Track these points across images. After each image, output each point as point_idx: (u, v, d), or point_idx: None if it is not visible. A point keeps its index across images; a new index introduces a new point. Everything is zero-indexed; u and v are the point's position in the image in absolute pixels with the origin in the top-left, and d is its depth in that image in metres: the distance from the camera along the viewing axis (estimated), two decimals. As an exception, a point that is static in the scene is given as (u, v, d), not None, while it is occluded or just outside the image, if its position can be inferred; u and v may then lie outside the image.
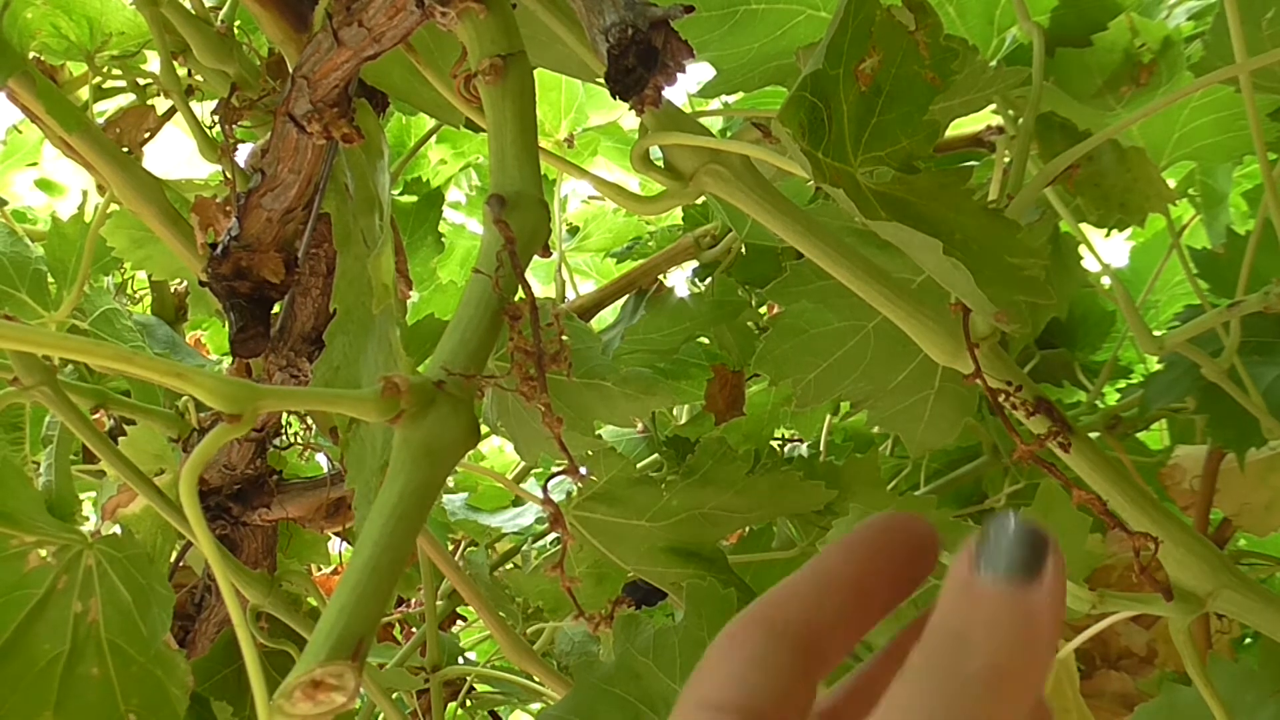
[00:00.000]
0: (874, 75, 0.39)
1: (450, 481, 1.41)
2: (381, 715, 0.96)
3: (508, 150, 0.45)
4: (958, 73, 0.40)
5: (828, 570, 0.32)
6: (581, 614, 0.72)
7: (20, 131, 1.42)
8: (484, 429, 0.97)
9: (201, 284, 0.74)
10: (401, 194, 1.41)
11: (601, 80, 0.41)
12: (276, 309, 0.78)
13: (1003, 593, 0.28)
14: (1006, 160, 0.82)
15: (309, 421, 1.00)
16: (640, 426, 1.32)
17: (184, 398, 0.98)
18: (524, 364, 0.40)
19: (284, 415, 0.96)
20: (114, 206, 0.94)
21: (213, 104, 0.81)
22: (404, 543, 0.36)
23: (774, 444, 1.39)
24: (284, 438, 0.98)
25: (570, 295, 1.33)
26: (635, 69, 0.39)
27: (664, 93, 0.41)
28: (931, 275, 0.40)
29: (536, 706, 1.45)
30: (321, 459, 1.11)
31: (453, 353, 0.39)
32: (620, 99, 0.40)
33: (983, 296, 0.36)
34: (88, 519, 1.08)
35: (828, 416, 1.28)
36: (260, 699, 0.35)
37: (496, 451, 1.72)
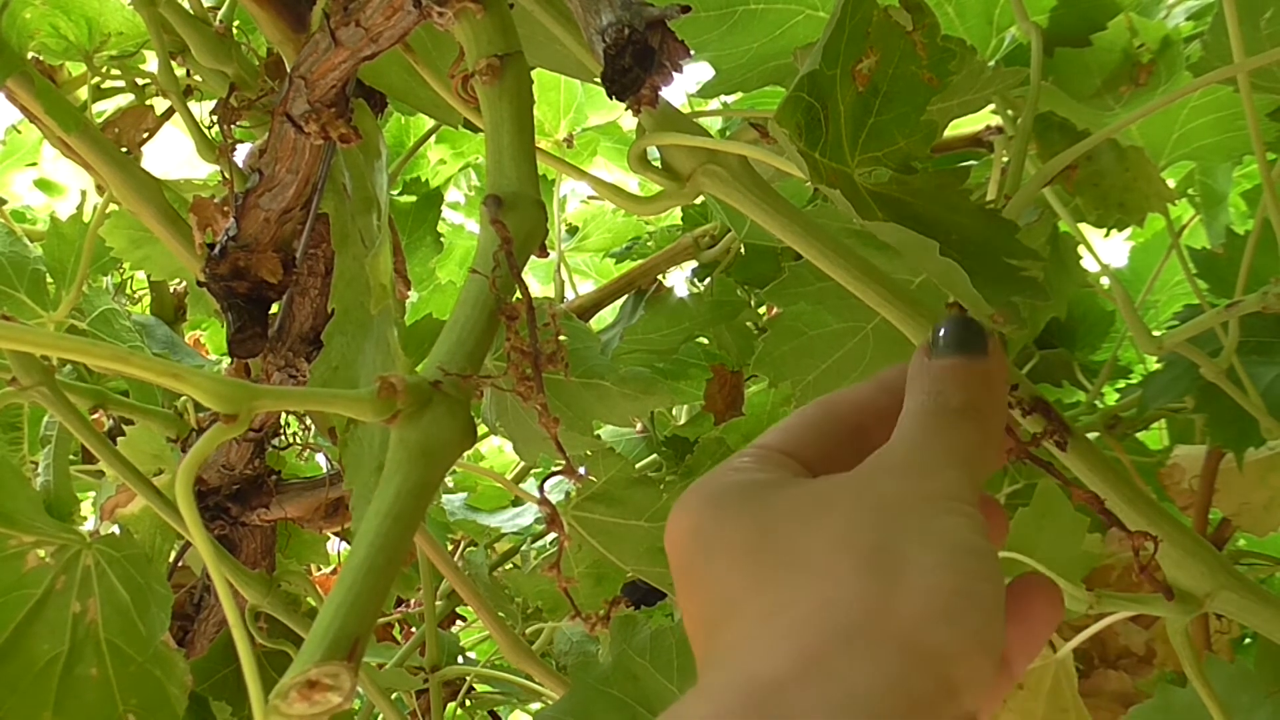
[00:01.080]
0: (871, 76, 0.39)
1: (449, 481, 1.41)
2: (381, 715, 0.96)
3: (505, 150, 0.45)
4: (955, 73, 0.40)
5: (888, 378, 0.39)
6: (578, 614, 0.72)
7: (19, 131, 1.42)
8: (482, 429, 0.97)
9: (200, 284, 0.74)
10: (400, 194, 1.41)
11: (599, 80, 0.41)
12: (275, 309, 0.78)
13: (958, 360, 0.37)
14: (1005, 160, 0.82)
15: (308, 422, 1.00)
16: (639, 426, 1.32)
17: (183, 398, 0.98)
18: (520, 364, 0.40)
19: (283, 416, 0.96)
20: (113, 207, 0.94)
21: (211, 104, 0.81)
22: (400, 543, 0.36)
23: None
24: (283, 438, 0.98)
25: (569, 295, 1.33)
26: (632, 69, 0.39)
27: (661, 93, 0.40)
28: (929, 275, 0.40)
29: (536, 706, 1.45)
30: (320, 459, 1.11)
31: (449, 353, 0.39)
32: (617, 99, 0.40)
33: (979, 297, 0.36)
34: (86, 519, 1.08)
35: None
36: (257, 699, 0.35)
37: (496, 451, 1.72)
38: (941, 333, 0.38)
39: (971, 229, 0.40)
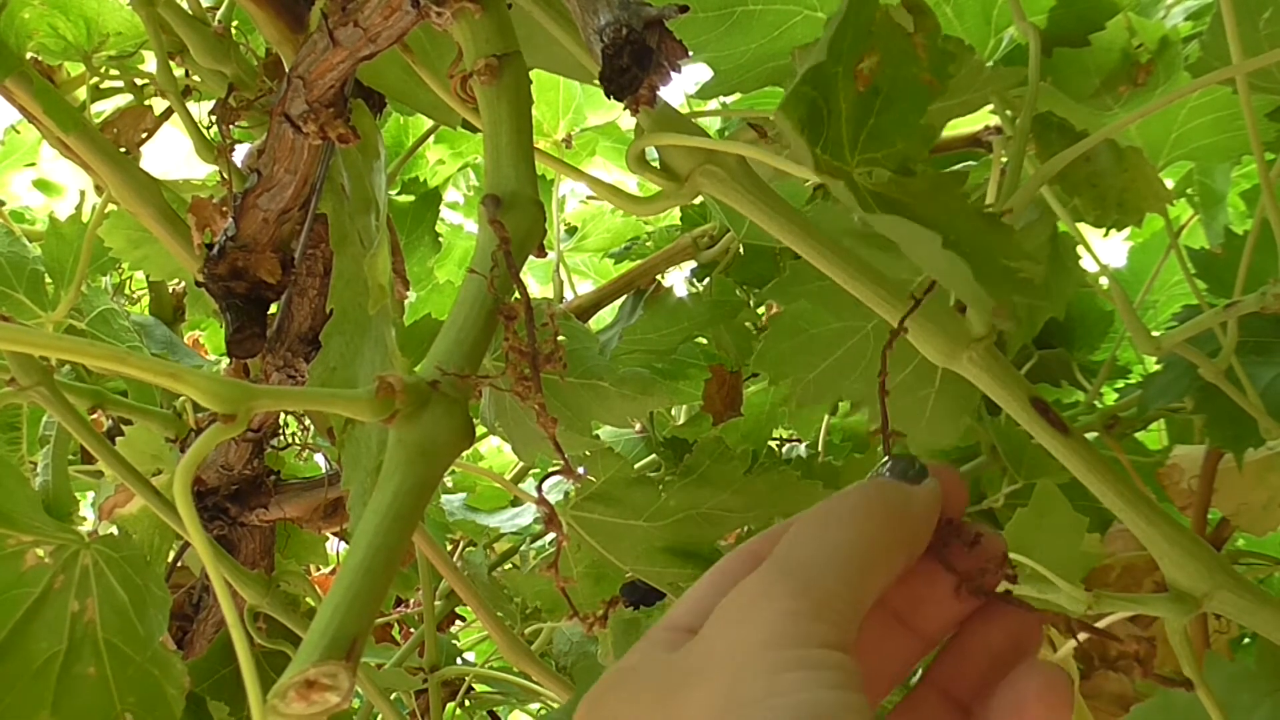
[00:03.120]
0: (873, 76, 0.39)
1: (448, 481, 1.41)
2: (380, 715, 0.96)
3: (503, 151, 0.45)
4: (954, 75, 0.40)
5: (777, 532, 0.37)
6: (576, 614, 0.72)
7: (18, 132, 1.42)
8: (481, 429, 0.97)
9: (198, 284, 0.74)
10: (399, 194, 1.41)
11: (597, 80, 0.41)
12: (273, 309, 0.78)
13: (890, 482, 0.36)
14: (1004, 160, 0.82)
15: (306, 422, 1.00)
16: (638, 427, 1.32)
17: (182, 398, 0.98)
18: (518, 364, 0.40)
19: (281, 416, 0.96)
20: (111, 207, 0.94)
21: (210, 104, 0.81)
22: (398, 543, 0.36)
23: (772, 444, 1.38)
24: (281, 438, 0.98)
25: (568, 295, 1.33)
26: (630, 69, 0.39)
27: (659, 93, 0.41)
28: (929, 272, 0.40)
29: (535, 707, 1.45)
30: (319, 459, 1.11)
31: (447, 353, 0.39)
32: (615, 99, 0.40)
33: (981, 292, 0.36)
34: (85, 519, 1.08)
35: (826, 417, 1.28)
36: (255, 699, 0.35)
37: (495, 451, 1.72)
38: (883, 470, 0.38)
39: (969, 231, 0.40)
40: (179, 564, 1.05)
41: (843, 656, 0.31)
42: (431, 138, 1.40)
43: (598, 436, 1.04)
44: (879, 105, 0.40)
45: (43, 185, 1.56)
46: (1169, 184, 0.91)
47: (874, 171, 0.41)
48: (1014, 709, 0.34)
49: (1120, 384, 1.25)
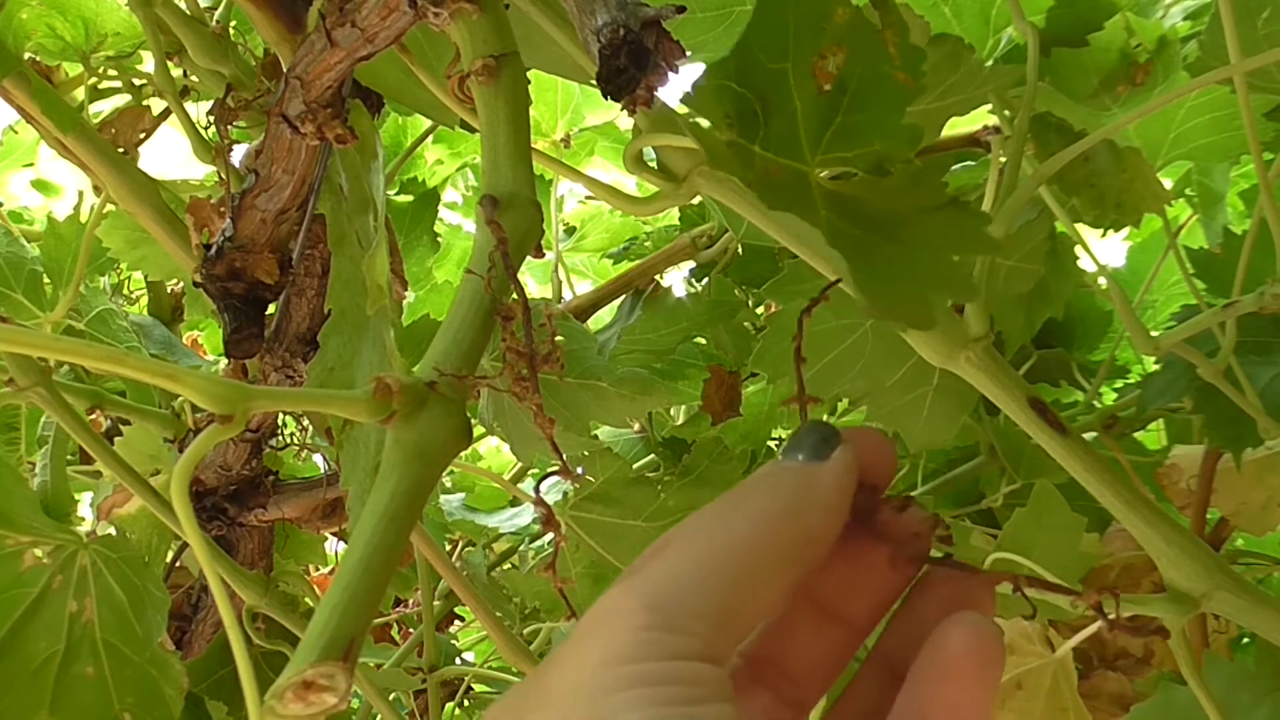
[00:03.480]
0: (839, 74, 0.39)
1: (448, 481, 1.41)
2: (379, 716, 0.96)
3: (500, 151, 0.45)
4: (926, 74, 0.39)
5: (703, 517, 0.34)
6: (575, 615, 0.72)
7: (16, 132, 1.42)
8: (480, 429, 0.97)
9: (196, 284, 0.74)
10: (397, 194, 1.41)
11: (594, 81, 0.41)
12: (271, 310, 0.78)
13: (789, 465, 0.33)
14: (1002, 160, 0.82)
15: (305, 423, 0.99)
16: (637, 427, 1.32)
17: (180, 399, 0.98)
18: (516, 365, 0.40)
19: (280, 416, 0.96)
20: (110, 207, 0.94)
21: (208, 104, 0.81)
22: (396, 543, 0.36)
23: (771, 444, 1.38)
24: (280, 438, 0.98)
25: (567, 295, 1.33)
26: (627, 69, 0.38)
27: (657, 93, 0.40)
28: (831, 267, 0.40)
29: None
30: (318, 459, 1.11)
31: (445, 353, 0.39)
32: (612, 99, 0.39)
33: (862, 289, 0.35)
34: (83, 519, 1.08)
35: (825, 416, 1.28)
36: (252, 700, 0.35)
37: (494, 452, 1.72)
38: (793, 441, 0.35)
39: (934, 224, 0.39)
40: (178, 564, 1.05)
41: (703, 668, 0.29)
42: (430, 138, 1.40)
43: (596, 437, 1.04)
44: (847, 103, 0.39)
45: (41, 185, 1.56)
46: (1167, 184, 0.91)
47: (844, 170, 0.40)
48: (939, 669, 0.31)
49: (1119, 384, 1.25)
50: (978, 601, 0.34)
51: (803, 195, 0.39)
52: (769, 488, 0.33)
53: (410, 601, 1.43)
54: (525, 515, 1.28)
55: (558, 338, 0.39)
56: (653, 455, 1.27)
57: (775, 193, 0.38)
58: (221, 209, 0.76)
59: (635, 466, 0.95)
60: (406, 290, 1.24)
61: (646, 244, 1.37)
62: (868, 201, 0.40)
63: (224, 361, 0.85)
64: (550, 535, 1.28)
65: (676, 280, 1.32)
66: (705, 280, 1.22)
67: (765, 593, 0.31)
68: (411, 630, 1.34)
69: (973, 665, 0.31)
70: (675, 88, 0.41)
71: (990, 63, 0.81)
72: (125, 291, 1.32)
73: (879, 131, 0.40)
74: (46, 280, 0.96)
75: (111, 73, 0.95)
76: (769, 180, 0.38)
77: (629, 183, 1.45)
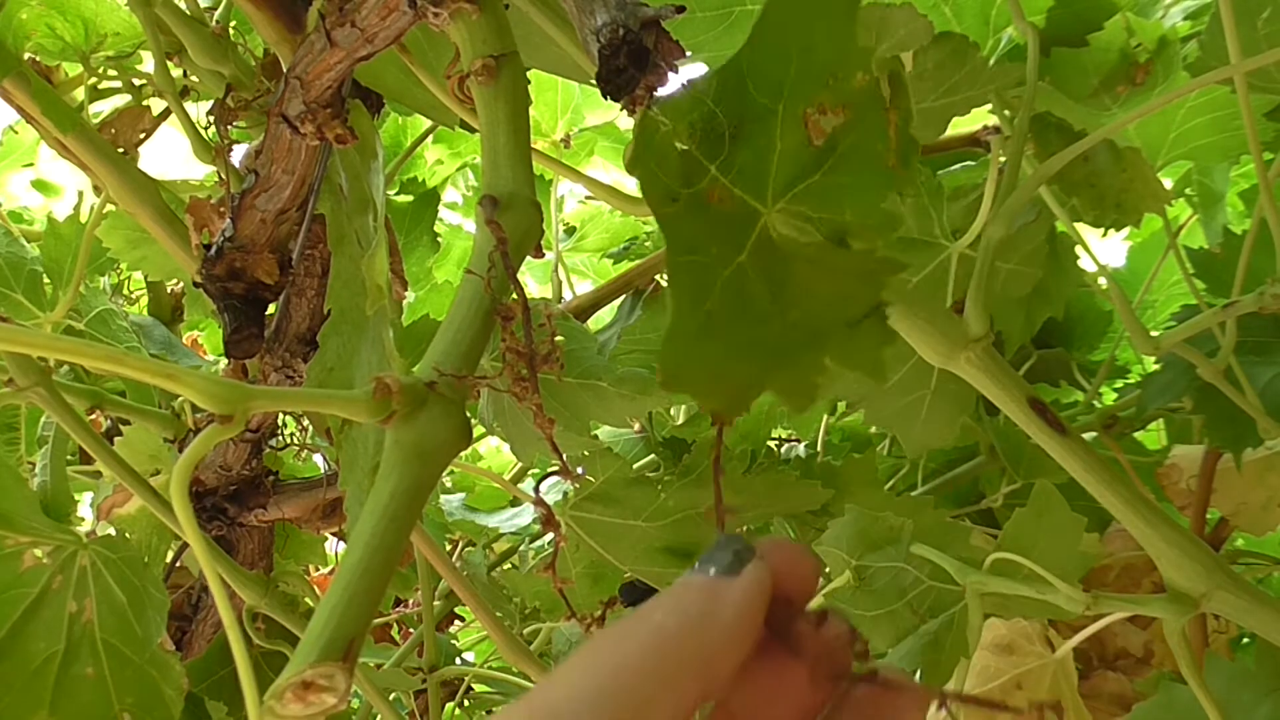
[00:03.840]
0: (833, 133, 0.38)
1: (448, 481, 1.41)
2: (379, 716, 0.96)
3: (500, 151, 0.45)
4: (914, 172, 0.38)
5: (604, 639, 0.33)
6: (574, 615, 0.72)
7: (16, 132, 1.42)
8: (480, 429, 0.97)
9: (196, 284, 0.74)
10: (397, 194, 1.41)
11: (594, 80, 0.41)
12: (271, 310, 0.78)
13: (694, 579, 0.32)
14: (1002, 160, 0.82)
15: (305, 423, 0.99)
16: (637, 427, 1.32)
17: (180, 399, 0.98)
18: (516, 365, 0.40)
19: (280, 416, 0.96)
20: (110, 207, 0.94)
21: (208, 105, 0.81)
22: (395, 543, 0.36)
23: (771, 444, 1.38)
24: (280, 439, 0.98)
25: (567, 295, 1.33)
26: (626, 69, 0.38)
27: (656, 93, 0.40)
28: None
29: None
30: (318, 459, 1.11)
31: (444, 353, 0.39)
32: (611, 99, 0.39)
33: (674, 347, 0.34)
34: (83, 520, 1.08)
35: (825, 416, 1.28)
36: (251, 700, 0.35)
37: (494, 452, 1.72)
38: (709, 552, 0.34)
39: (854, 292, 0.38)
40: (178, 564, 1.05)
41: None
42: (430, 138, 1.40)
43: (596, 436, 1.04)
44: (832, 164, 0.38)
45: (41, 185, 1.56)
46: (1167, 184, 0.91)
47: (803, 227, 0.39)
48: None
49: (1119, 384, 1.25)
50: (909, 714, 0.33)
51: (732, 229, 0.38)
52: (673, 604, 0.32)
53: (410, 601, 1.43)
54: (525, 515, 1.28)
55: (557, 338, 0.39)
56: (653, 455, 1.27)
57: (693, 213, 0.37)
58: (221, 209, 0.76)
59: (635, 466, 0.95)
60: (406, 290, 1.24)
61: (646, 244, 1.37)
62: (802, 269, 0.38)
63: (224, 361, 0.85)
64: (550, 535, 1.28)
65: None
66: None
67: (663, 713, 0.30)
68: (411, 630, 1.34)
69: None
70: (673, 88, 0.41)
71: (990, 63, 0.81)
72: (125, 292, 1.32)
73: (856, 204, 0.39)
74: (46, 280, 0.96)
75: (111, 73, 0.95)
76: (703, 201, 0.37)
77: (629, 183, 1.44)
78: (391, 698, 1.18)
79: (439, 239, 1.39)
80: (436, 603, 1.17)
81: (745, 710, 0.33)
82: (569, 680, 0.30)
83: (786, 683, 0.33)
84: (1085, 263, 1.00)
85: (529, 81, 0.48)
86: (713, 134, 0.37)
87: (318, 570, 1.31)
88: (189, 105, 0.89)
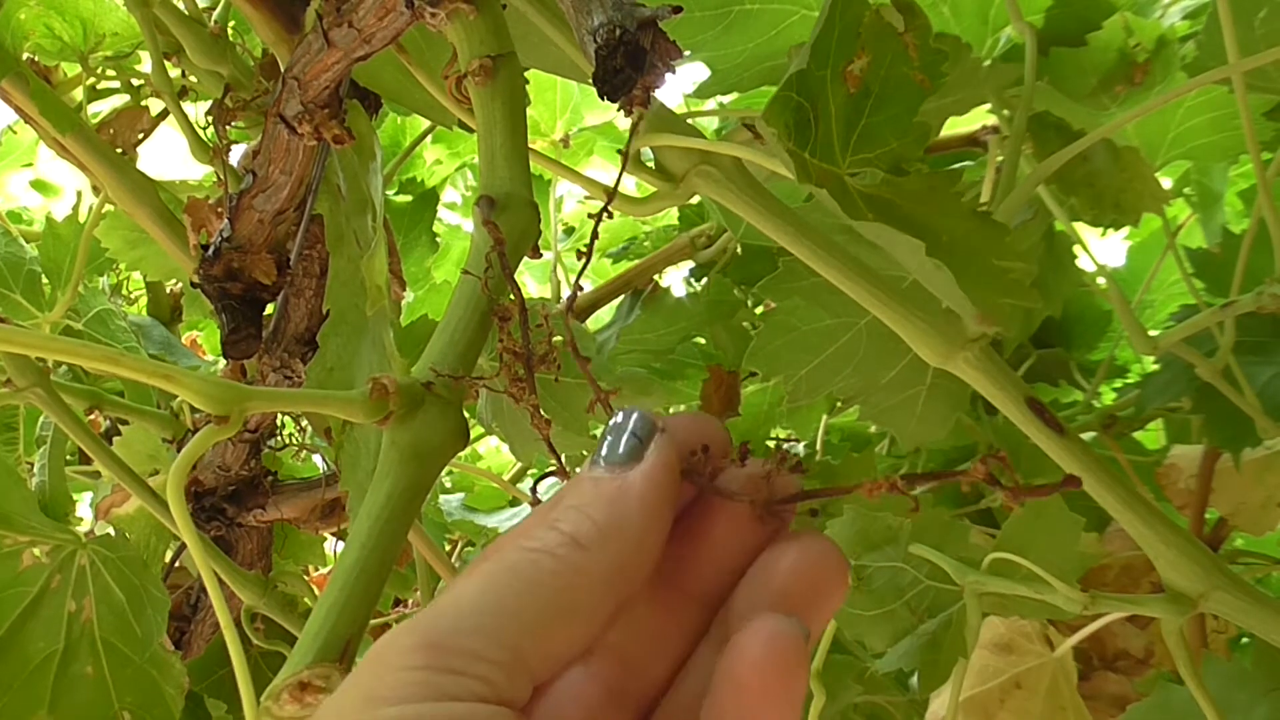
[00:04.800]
0: (863, 77, 0.39)
1: (447, 481, 1.41)
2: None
3: (497, 151, 0.45)
4: (947, 75, 0.39)
5: (499, 550, 0.31)
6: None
7: (15, 132, 1.42)
8: (479, 429, 0.97)
9: (194, 285, 0.74)
10: (396, 194, 1.41)
11: (591, 81, 0.41)
12: (270, 310, 0.78)
13: (595, 478, 0.30)
14: (1000, 159, 0.82)
15: (304, 423, 0.99)
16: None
17: (179, 399, 0.98)
18: (513, 365, 0.40)
19: (279, 417, 0.96)
20: (108, 207, 0.94)
21: (206, 105, 0.81)
22: (392, 544, 0.36)
23: (770, 444, 1.38)
24: (279, 439, 0.98)
25: (566, 295, 1.33)
26: (623, 69, 0.38)
27: (654, 93, 0.40)
28: (915, 277, 0.40)
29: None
30: (317, 460, 1.11)
31: (441, 354, 0.39)
32: (608, 100, 0.39)
33: (964, 298, 0.35)
34: (82, 519, 1.08)
35: (824, 416, 1.28)
36: (248, 700, 0.35)
37: (493, 452, 1.72)
38: (607, 437, 0.31)
39: (961, 231, 0.39)
40: (177, 564, 1.05)
41: (481, 710, 0.26)
42: (429, 138, 1.40)
43: (595, 436, 1.04)
44: (870, 106, 0.40)
45: (40, 186, 1.56)
46: (1166, 183, 0.91)
47: (867, 172, 0.40)
48: (734, 681, 0.28)
49: (1118, 383, 1.25)
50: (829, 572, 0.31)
51: (847, 199, 0.39)
52: (573, 509, 0.29)
53: (409, 602, 1.43)
54: (524, 515, 1.28)
55: (555, 338, 0.39)
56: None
57: (853, 205, 0.38)
58: (219, 209, 0.76)
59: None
60: (405, 290, 1.24)
61: (645, 244, 1.37)
62: (899, 205, 0.40)
63: (222, 362, 0.85)
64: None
65: (675, 280, 1.32)
66: (704, 280, 1.22)
67: (575, 629, 0.28)
68: (411, 630, 1.34)
69: (769, 676, 0.27)
70: (675, 87, 0.41)
71: (989, 62, 0.81)
72: (124, 292, 1.32)
73: (895, 131, 0.40)
74: (45, 280, 0.96)
75: (110, 73, 0.95)
76: (846, 193, 0.38)
77: (628, 183, 1.45)
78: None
79: (438, 239, 1.39)
80: (436, 603, 1.17)
81: (698, 558, 0.32)
82: (458, 598, 0.28)
83: (727, 525, 0.32)
84: (1084, 262, 1.00)
85: (527, 81, 0.48)
86: (802, 123, 0.38)
87: (317, 570, 1.31)
88: (187, 105, 0.89)
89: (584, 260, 0.39)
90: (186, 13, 0.81)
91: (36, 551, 0.74)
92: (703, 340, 1.29)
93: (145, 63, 0.95)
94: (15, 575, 0.73)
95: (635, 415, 0.31)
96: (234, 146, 0.80)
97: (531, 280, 1.63)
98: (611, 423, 0.31)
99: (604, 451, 0.31)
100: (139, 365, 0.35)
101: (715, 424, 0.32)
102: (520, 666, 0.27)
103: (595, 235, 0.39)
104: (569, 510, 0.29)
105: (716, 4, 0.71)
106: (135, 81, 0.96)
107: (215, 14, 0.82)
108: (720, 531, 0.32)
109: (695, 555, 0.32)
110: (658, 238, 1.35)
